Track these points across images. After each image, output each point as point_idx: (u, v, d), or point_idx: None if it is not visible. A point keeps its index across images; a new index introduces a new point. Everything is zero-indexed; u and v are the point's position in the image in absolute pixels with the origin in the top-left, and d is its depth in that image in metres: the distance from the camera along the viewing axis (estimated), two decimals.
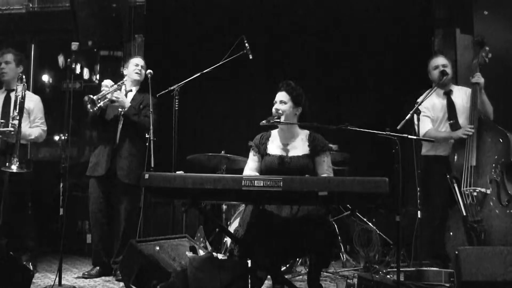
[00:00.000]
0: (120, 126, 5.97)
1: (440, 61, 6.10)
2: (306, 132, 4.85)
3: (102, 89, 5.86)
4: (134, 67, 6.18)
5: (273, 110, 4.71)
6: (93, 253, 6.06)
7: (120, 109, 5.92)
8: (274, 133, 4.89)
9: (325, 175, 4.56)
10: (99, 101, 5.74)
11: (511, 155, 5.34)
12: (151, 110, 5.74)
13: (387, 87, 8.56)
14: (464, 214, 5.24)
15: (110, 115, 6.00)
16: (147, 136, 5.75)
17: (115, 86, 5.94)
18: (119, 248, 5.85)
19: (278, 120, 4.61)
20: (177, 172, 5.14)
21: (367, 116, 8.17)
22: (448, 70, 6.04)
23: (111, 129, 5.99)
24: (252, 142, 4.86)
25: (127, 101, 5.94)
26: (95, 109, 5.72)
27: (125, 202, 5.91)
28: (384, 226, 7.29)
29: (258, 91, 4.83)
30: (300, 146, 4.73)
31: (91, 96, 5.70)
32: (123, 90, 6.04)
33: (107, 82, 5.95)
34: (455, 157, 5.57)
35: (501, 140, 5.43)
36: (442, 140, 5.85)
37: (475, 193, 5.29)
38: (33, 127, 6.25)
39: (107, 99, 5.82)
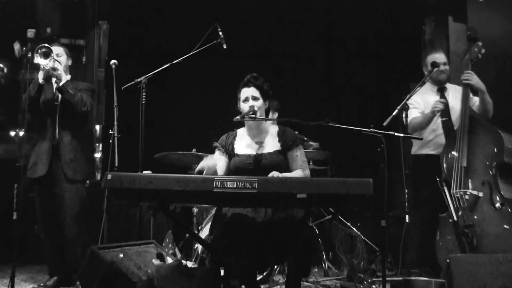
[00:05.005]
0: (57, 119, 5.90)
1: (442, 58, 6.12)
2: (276, 127, 4.87)
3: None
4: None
5: (246, 107, 4.70)
6: (49, 262, 6.02)
7: (55, 85, 5.85)
8: (241, 131, 4.91)
9: (299, 170, 4.59)
10: (52, 59, 5.71)
11: (504, 154, 5.37)
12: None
13: (372, 80, 8.60)
14: (455, 218, 5.27)
15: (46, 95, 5.91)
16: (110, 132, 5.74)
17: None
18: (72, 255, 5.80)
19: (254, 116, 4.60)
20: (144, 172, 5.13)
21: (350, 112, 8.21)
22: (447, 67, 6.10)
23: (46, 119, 5.92)
24: (218, 143, 4.86)
25: (65, 76, 5.88)
26: (45, 64, 5.65)
27: (72, 201, 5.86)
28: (369, 231, 7.33)
29: (234, 84, 4.83)
30: (270, 143, 4.75)
31: (49, 46, 5.69)
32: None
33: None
34: (445, 157, 5.62)
35: (494, 139, 5.44)
36: (425, 123, 5.91)
37: (466, 196, 5.33)
38: None
39: (51, 62, 5.72)
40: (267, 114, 4.88)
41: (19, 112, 5.60)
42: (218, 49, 5.90)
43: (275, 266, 6.06)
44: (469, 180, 5.39)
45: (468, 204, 5.30)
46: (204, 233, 5.96)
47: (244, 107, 4.72)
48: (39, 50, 5.66)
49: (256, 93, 4.74)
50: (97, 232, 5.82)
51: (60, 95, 5.81)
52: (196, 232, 6.35)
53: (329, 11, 8.76)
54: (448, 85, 6.14)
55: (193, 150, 6.70)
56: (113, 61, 5.94)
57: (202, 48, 5.85)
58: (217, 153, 4.84)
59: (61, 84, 5.75)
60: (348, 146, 8.07)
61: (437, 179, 5.51)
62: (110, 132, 5.78)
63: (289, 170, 4.65)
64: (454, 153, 5.53)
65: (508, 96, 6.59)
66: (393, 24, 8.59)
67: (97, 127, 8.32)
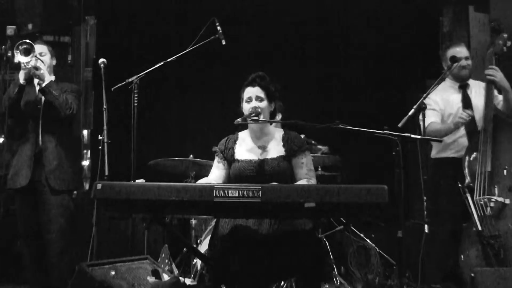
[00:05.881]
0: (40, 124, 5.89)
1: (464, 52, 6.08)
2: (281, 131, 4.86)
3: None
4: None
5: (248, 108, 4.69)
6: (32, 281, 6.00)
7: (38, 86, 5.82)
8: (243, 135, 4.90)
9: (304, 180, 4.57)
10: (34, 56, 5.69)
11: None
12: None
13: (386, 78, 8.58)
14: (479, 228, 5.24)
15: (27, 97, 5.89)
16: (100, 137, 5.73)
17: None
18: (57, 272, 5.78)
19: (257, 118, 4.60)
20: (137, 181, 5.12)
21: (362, 113, 8.19)
22: (469, 62, 6.05)
23: (28, 123, 5.90)
24: (217, 148, 4.87)
25: (48, 76, 5.85)
26: (26, 62, 5.64)
27: (57, 214, 5.84)
28: (384, 242, 7.31)
29: (235, 84, 4.83)
30: (274, 148, 4.74)
31: (31, 42, 5.67)
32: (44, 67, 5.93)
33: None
34: (468, 161, 5.58)
35: None
36: (444, 133, 5.84)
37: (491, 203, 5.28)
38: None
39: (34, 60, 5.71)
40: (273, 117, 4.86)
41: None
42: (217, 46, 5.90)
43: (282, 283, 6.05)
44: (495, 186, 5.36)
45: (493, 212, 5.26)
46: (203, 247, 5.95)
47: (247, 107, 4.71)
48: (19, 47, 5.65)
49: (261, 94, 4.71)
50: (86, 247, 5.81)
51: (43, 97, 5.80)
52: (194, 246, 6.34)
53: (340, 3, 8.76)
54: (470, 82, 6.10)
55: (191, 156, 6.70)
56: (101, 60, 5.92)
57: (198, 44, 5.83)
58: (215, 159, 4.84)
59: (44, 85, 5.73)
60: (360, 150, 8.06)
61: (459, 185, 5.48)
62: (99, 138, 5.77)
63: (293, 178, 4.65)
64: (477, 155, 5.50)
65: None
66: (408, 14, 8.57)
67: (85, 132, 8.31)
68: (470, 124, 5.82)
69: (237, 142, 4.85)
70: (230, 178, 4.74)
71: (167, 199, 3.61)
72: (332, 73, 8.93)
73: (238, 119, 4.60)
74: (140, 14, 8.85)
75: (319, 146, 7.21)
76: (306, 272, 4.28)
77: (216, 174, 4.76)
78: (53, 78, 5.90)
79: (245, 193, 3.55)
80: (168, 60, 5.87)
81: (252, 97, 4.71)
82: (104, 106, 5.78)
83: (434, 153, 6.14)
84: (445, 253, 5.80)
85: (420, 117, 5.39)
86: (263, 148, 4.76)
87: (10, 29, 5.55)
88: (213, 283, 4.48)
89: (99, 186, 3.69)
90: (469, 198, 5.36)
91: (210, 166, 4.94)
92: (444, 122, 5.97)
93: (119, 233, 7.14)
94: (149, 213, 4.05)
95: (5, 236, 6.47)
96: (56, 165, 5.82)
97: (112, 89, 5.80)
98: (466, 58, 6.01)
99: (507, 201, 5.26)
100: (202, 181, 4.66)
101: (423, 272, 6.02)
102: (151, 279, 4.80)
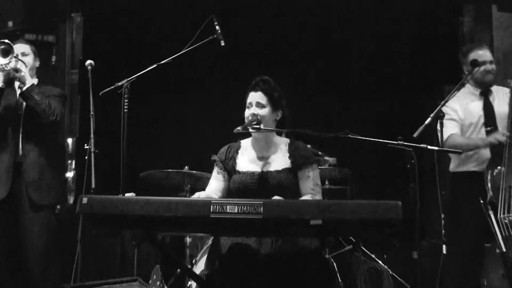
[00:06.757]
0: (21, 131, 5.87)
1: (488, 56, 6.05)
2: (287, 141, 4.84)
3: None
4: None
5: (248, 115, 4.67)
6: None
7: (18, 89, 5.80)
8: (246, 143, 4.88)
9: (308, 195, 4.55)
10: (13, 57, 5.67)
11: None
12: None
13: (401, 83, 8.57)
14: (504, 249, 5.22)
15: (7, 101, 5.88)
16: (86, 147, 5.72)
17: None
18: None
19: (258, 126, 4.57)
20: (127, 195, 5.12)
21: (373, 121, 8.18)
22: (493, 66, 6.03)
23: (8, 130, 5.86)
24: (216, 156, 4.84)
25: (30, 78, 5.81)
26: (4, 64, 5.61)
27: (38, 231, 5.82)
28: (398, 264, 7.29)
29: (233, 89, 4.83)
30: (279, 159, 4.71)
31: (9, 42, 5.66)
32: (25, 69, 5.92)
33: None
34: (490, 175, 5.55)
35: None
36: (468, 148, 5.82)
37: None
38: None
39: (14, 62, 5.69)
40: (280, 126, 4.82)
41: None
42: (214, 48, 5.89)
43: None
44: None
45: None
46: (199, 267, 5.94)
47: (246, 114, 4.69)
48: None
49: (263, 100, 4.69)
50: (70, 267, 5.80)
51: (24, 102, 5.79)
52: (189, 266, 6.34)
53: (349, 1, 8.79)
54: (493, 88, 6.08)
55: (186, 168, 6.69)
56: (88, 62, 5.92)
57: (195, 45, 5.83)
58: (215, 169, 4.82)
59: (24, 88, 5.72)
60: (371, 162, 8.05)
61: (481, 201, 5.46)
62: (85, 147, 5.76)
63: (299, 192, 4.63)
64: (500, 169, 5.48)
65: None
66: (424, 13, 8.57)
67: (70, 140, 8.30)
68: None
69: (239, 152, 4.84)
70: (230, 191, 4.73)
71: (159, 215, 3.59)
72: (344, 78, 8.92)
73: (238, 128, 4.57)
74: (132, 12, 8.85)
75: (326, 158, 7.20)
76: None
77: (214, 186, 4.74)
78: (35, 81, 5.89)
79: (245, 208, 3.53)
80: (162, 62, 5.86)
81: (253, 103, 4.69)
82: (91, 112, 5.77)
83: (453, 167, 6.12)
84: (465, 276, 5.78)
85: (438, 127, 5.38)
86: (267, 159, 4.74)
87: None
88: None
89: (85, 200, 3.68)
90: (492, 215, 5.34)
91: (207, 179, 4.92)
92: (464, 132, 5.95)
93: (107, 252, 7.13)
94: (140, 230, 4.03)
95: None
96: (38, 176, 5.80)
97: (100, 93, 5.79)
98: (491, 62, 5.99)
99: None
100: (201, 195, 4.58)
101: None
102: None
